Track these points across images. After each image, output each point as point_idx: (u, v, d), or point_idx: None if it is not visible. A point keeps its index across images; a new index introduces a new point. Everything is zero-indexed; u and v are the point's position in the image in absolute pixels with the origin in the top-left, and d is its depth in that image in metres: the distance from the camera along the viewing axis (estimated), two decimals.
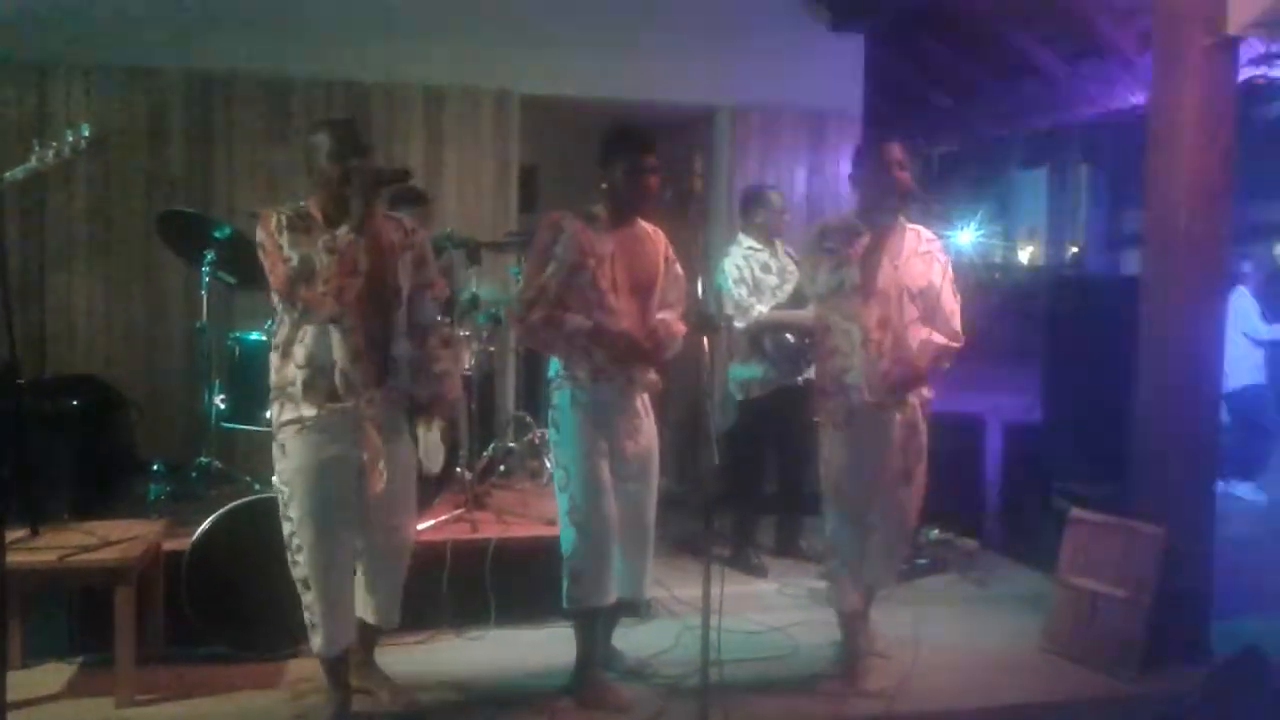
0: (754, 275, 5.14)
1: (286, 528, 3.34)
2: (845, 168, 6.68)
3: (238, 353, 4.56)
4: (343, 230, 3.18)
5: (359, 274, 3.22)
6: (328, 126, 3.37)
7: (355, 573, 3.49)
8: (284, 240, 3.20)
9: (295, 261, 3.16)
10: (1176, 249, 4.18)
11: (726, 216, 6.62)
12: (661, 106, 6.33)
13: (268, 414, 3.45)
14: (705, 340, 3.38)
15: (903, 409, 3.83)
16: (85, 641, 3.93)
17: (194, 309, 4.86)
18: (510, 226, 6.08)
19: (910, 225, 3.89)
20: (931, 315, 3.87)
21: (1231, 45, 4.15)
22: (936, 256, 3.89)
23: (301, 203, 3.35)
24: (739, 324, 5.11)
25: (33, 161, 3.59)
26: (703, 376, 3.40)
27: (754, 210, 5.32)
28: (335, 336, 3.26)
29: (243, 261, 4.68)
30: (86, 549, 3.59)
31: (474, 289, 5.25)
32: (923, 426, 3.91)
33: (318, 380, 3.26)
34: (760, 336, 5.12)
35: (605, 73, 6.21)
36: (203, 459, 4.65)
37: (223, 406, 4.57)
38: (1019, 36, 7.06)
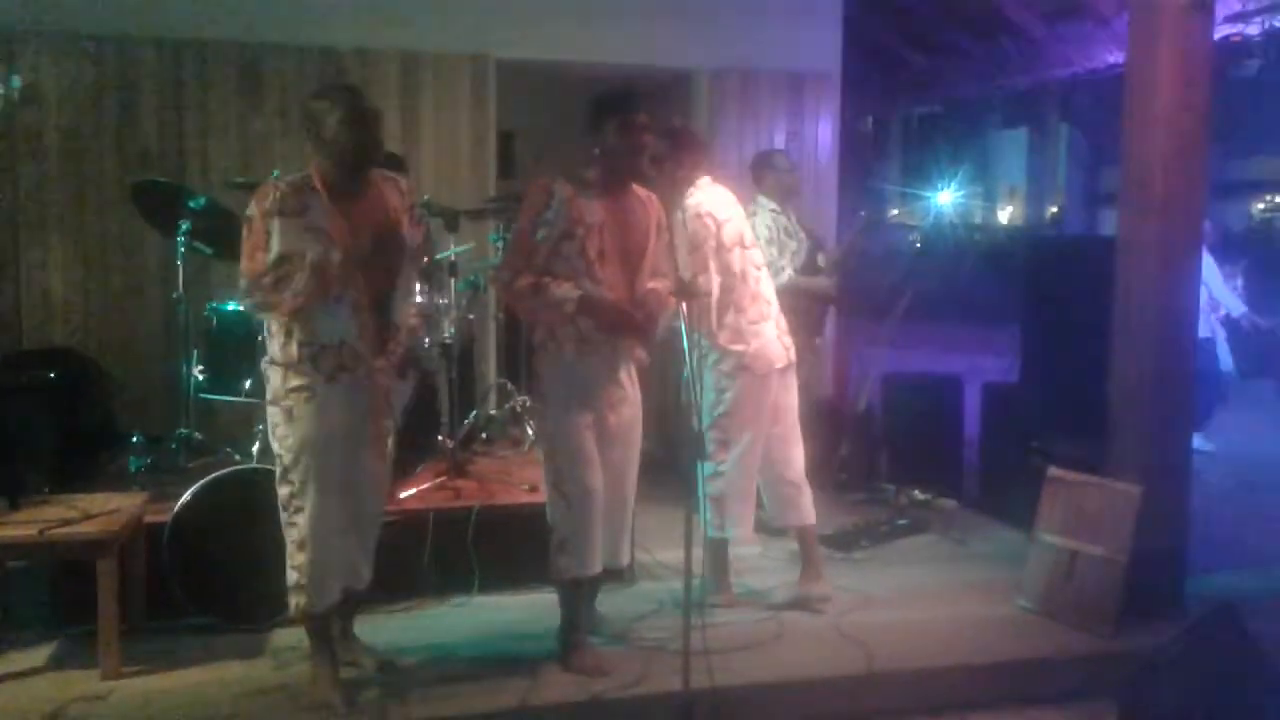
0: (780, 237, 5.11)
1: (285, 490, 3.32)
2: (824, 130, 6.74)
3: (215, 323, 4.52)
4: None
5: (352, 260, 3.21)
6: (332, 93, 3.31)
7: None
8: (273, 226, 3.16)
9: (274, 256, 3.14)
10: (1152, 207, 4.20)
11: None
12: (638, 70, 6.28)
13: (262, 381, 3.40)
14: (684, 307, 3.34)
15: None
16: (68, 615, 3.92)
17: (170, 280, 4.82)
18: (489, 193, 6.05)
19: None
20: None
21: (1208, 3, 4.14)
22: None
23: (306, 172, 3.30)
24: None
25: None
26: (683, 343, 3.36)
27: (762, 173, 5.25)
28: (344, 312, 3.26)
29: (219, 231, 4.65)
30: (68, 522, 3.58)
31: (453, 256, 5.22)
32: None
33: (324, 355, 3.26)
34: (781, 299, 5.07)
35: (582, 37, 6.17)
36: (182, 430, 4.63)
37: (201, 378, 4.54)
38: None
